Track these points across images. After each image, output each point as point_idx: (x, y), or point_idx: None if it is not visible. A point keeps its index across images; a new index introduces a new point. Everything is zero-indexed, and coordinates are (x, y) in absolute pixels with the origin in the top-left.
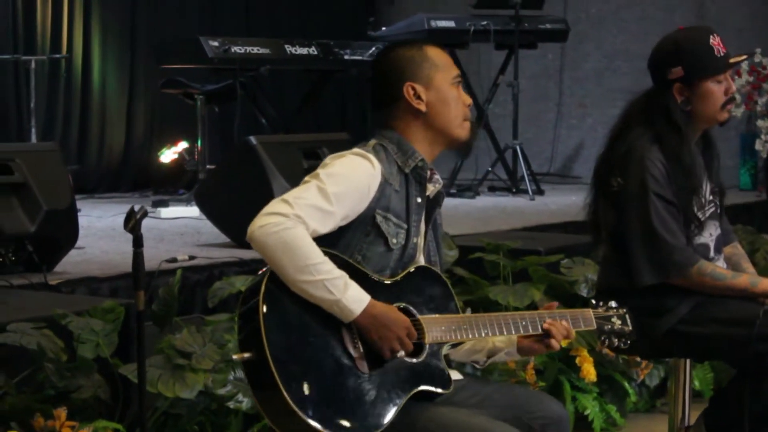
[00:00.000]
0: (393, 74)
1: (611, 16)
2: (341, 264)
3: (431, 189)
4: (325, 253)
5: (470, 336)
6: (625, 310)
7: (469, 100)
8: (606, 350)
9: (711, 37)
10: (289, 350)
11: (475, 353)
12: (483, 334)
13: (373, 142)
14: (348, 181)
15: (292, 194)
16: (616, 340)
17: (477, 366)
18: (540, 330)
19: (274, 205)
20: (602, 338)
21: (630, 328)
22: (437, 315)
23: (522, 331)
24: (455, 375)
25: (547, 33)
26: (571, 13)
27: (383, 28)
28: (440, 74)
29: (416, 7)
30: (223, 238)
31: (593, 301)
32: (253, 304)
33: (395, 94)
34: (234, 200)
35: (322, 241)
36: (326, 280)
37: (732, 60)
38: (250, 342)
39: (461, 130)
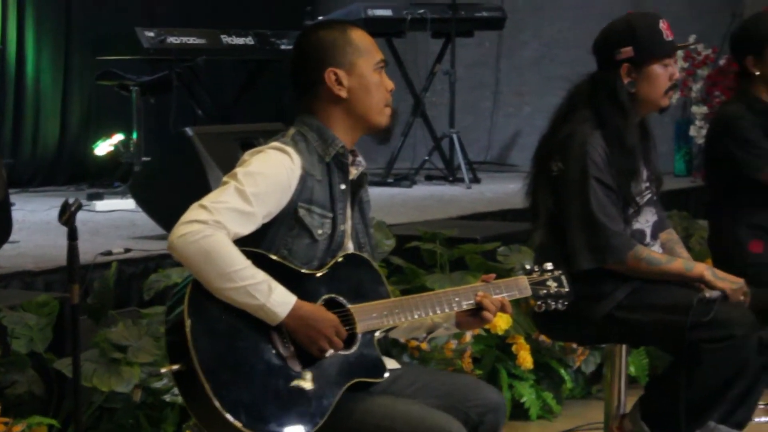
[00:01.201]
0: (314, 58)
1: (549, 4)
2: (266, 262)
3: (354, 172)
4: (249, 253)
5: (402, 319)
6: (561, 272)
7: (391, 86)
8: (542, 338)
9: (660, 21)
10: (218, 358)
11: (414, 330)
12: (416, 316)
13: (292, 131)
14: (267, 179)
15: (209, 198)
16: (553, 302)
17: (417, 341)
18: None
19: (193, 212)
20: (539, 303)
21: (567, 288)
22: (368, 302)
23: (456, 308)
24: (392, 364)
25: (484, 21)
26: (509, 0)
27: (320, 18)
28: (363, 59)
29: None
30: (159, 231)
31: (527, 267)
32: (178, 315)
33: (316, 79)
34: (170, 192)
35: (246, 239)
36: (249, 286)
37: (679, 45)
38: (178, 353)
39: (381, 116)
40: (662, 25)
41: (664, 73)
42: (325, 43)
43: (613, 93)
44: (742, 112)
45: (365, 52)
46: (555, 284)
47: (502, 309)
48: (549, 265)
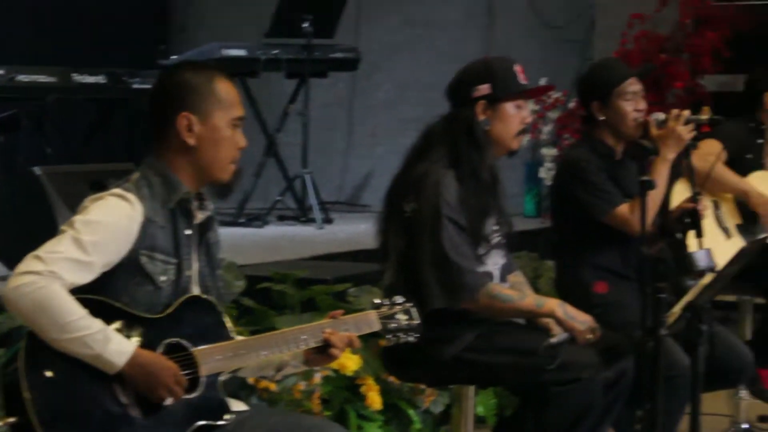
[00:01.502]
0: (172, 98)
1: (403, 46)
2: (106, 309)
3: (200, 217)
4: (89, 300)
5: (248, 360)
6: (410, 304)
7: (243, 144)
8: (391, 379)
9: (515, 65)
10: (56, 409)
11: (263, 368)
12: (262, 356)
13: (136, 175)
14: (106, 227)
15: (45, 248)
16: (404, 335)
17: (267, 380)
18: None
19: (27, 263)
20: (389, 337)
21: (417, 321)
22: (212, 345)
23: (303, 346)
24: (240, 406)
25: (338, 62)
26: (363, 42)
27: (174, 57)
28: (221, 112)
29: (208, 35)
30: (6, 272)
31: (376, 301)
32: (13, 369)
33: (169, 120)
34: (18, 232)
35: (89, 287)
36: (85, 336)
37: (532, 89)
38: (14, 406)
39: (224, 173)
40: (517, 68)
41: (517, 115)
42: (187, 85)
43: (470, 129)
44: (587, 156)
45: (225, 105)
46: (405, 317)
47: (350, 345)
48: (399, 298)
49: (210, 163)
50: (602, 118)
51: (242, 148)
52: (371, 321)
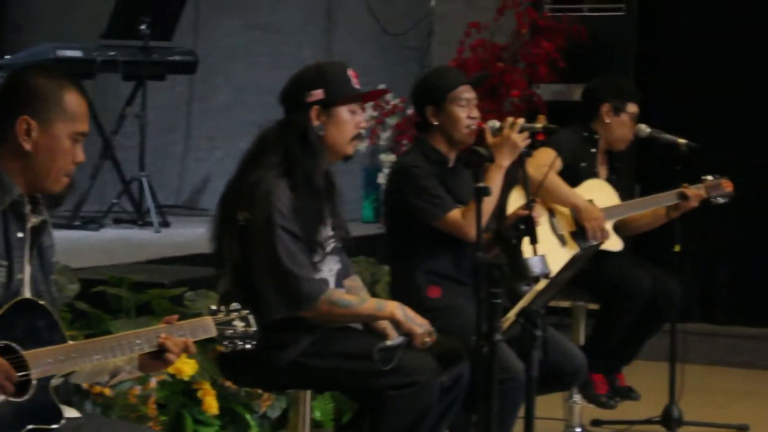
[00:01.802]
0: (16, 100)
1: (241, 49)
2: None
3: (34, 221)
4: None
5: (81, 364)
6: (247, 311)
7: (80, 159)
8: (227, 384)
9: (348, 70)
10: None
11: (97, 374)
12: (94, 360)
13: None
14: None
15: None
16: (240, 342)
17: (101, 386)
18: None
19: None
20: (225, 344)
21: (254, 328)
22: (43, 348)
23: (137, 350)
24: (71, 412)
25: (176, 65)
26: (202, 45)
27: (7, 57)
28: (63, 123)
29: (44, 35)
30: None
31: (212, 307)
32: None
33: (9, 121)
34: None
35: None
36: None
37: (366, 93)
38: None
39: (55, 184)
40: (351, 73)
41: (351, 120)
42: (35, 90)
43: (303, 135)
44: (418, 161)
45: (69, 118)
46: (242, 324)
47: (186, 350)
48: (235, 305)
49: (43, 171)
50: (436, 123)
51: (79, 163)
52: (207, 327)
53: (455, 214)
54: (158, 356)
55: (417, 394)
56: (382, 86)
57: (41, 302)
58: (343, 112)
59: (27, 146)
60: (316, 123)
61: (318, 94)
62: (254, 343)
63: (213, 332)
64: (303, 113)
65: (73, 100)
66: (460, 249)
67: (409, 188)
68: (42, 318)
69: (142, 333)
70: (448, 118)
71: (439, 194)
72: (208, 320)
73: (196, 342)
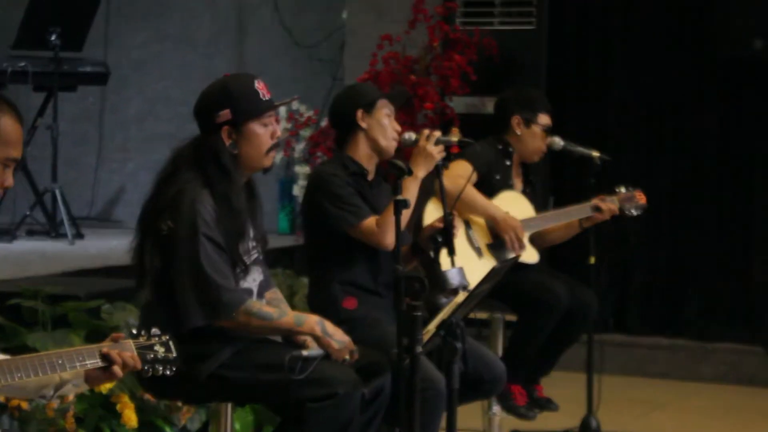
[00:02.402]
0: None
1: (153, 60)
2: None
3: None
4: None
5: (3, 382)
6: (167, 337)
7: (9, 184)
8: (147, 396)
9: (256, 81)
10: None
11: (42, 388)
12: (16, 378)
13: None
14: None
15: None
16: (161, 367)
17: (44, 400)
18: (91, 363)
19: None
20: (146, 368)
21: (174, 354)
22: None
23: (67, 368)
24: None
25: (87, 76)
26: (113, 56)
27: None
28: None
29: None
30: None
31: (134, 331)
32: None
33: None
34: None
35: None
36: None
37: (277, 103)
38: None
39: None
40: (258, 84)
41: (264, 133)
42: None
43: (216, 156)
44: (335, 171)
45: (3, 142)
46: (162, 349)
47: (134, 367)
48: (156, 330)
49: None
50: (364, 126)
51: (7, 188)
52: (128, 349)
53: (370, 222)
54: (105, 369)
55: (337, 406)
56: (296, 97)
57: None
58: (255, 126)
59: None
60: (228, 142)
61: (225, 114)
62: (174, 368)
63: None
64: (214, 134)
65: (7, 126)
66: (376, 260)
67: (324, 196)
68: None
69: (84, 349)
70: (378, 124)
71: (354, 202)
72: (129, 344)
73: None
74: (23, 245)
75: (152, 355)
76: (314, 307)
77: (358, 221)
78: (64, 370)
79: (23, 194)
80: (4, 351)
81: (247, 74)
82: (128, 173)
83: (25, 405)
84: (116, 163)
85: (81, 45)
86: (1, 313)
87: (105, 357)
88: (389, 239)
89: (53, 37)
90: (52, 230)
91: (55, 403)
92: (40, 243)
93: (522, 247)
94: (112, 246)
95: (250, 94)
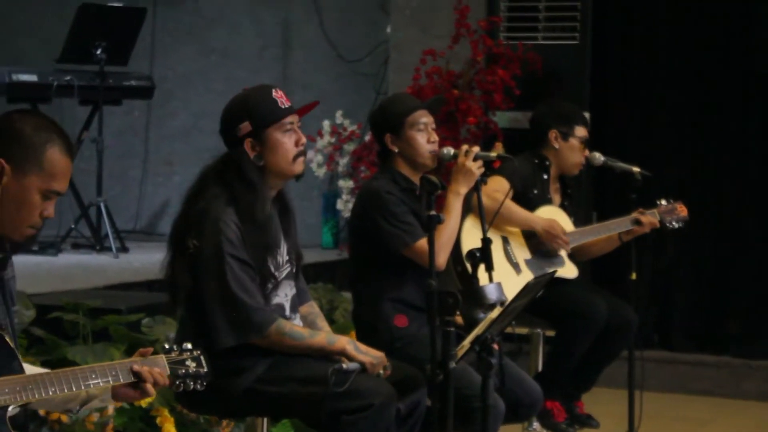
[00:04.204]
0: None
1: (198, 75)
2: None
3: None
4: None
5: (36, 396)
6: (199, 352)
7: (49, 214)
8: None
9: (273, 91)
10: None
11: (69, 402)
12: (51, 393)
13: None
14: None
15: None
16: (192, 382)
17: (71, 414)
18: (123, 378)
19: None
20: (177, 383)
21: (205, 369)
22: (0, 378)
23: (101, 383)
24: None
25: (132, 90)
26: (158, 70)
27: None
28: (38, 178)
29: None
30: None
31: (165, 346)
32: None
33: None
34: None
35: None
36: None
37: (297, 109)
38: None
39: (17, 234)
40: (276, 93)
41: (288, 140)
42: (20, 136)
43: (241, 170)
44: (389, 187)
45: (45, 175)
46: (194, 364)
47: (163, 383)
48: (188, 345)
49: (7, 219)
50: (396, 150)
51: (47, 217)
52: (160, 365)
53: (424, 242)
54: (133, 386)
55: (373, 418)
56: (339, 113)
57: (1, 332)
58: (276, 134)
59: None
60: (252, 155)
61: (245, 127)
62: (205, 384)
63: (165, 371)
64: (238, 148)
65: (55, 157)
66: (426, 278)
67: (378, 214)
68: (1, 348)
69: (117, 365)
70: (408, 145)
71: (408, 221)
72: (162, 359)
73: None
74: (68, 258)
75: (183, 370)
76: (360, 324)
77: (413, 241)
78: (97, 385)
79: (69, 208)
80: (45, 364)
81: (265, 85)
82: (173, 187)
83: (65, 418)
84: (161, 177)
85: (126, 59)
86: (42, 326)
87: (136, 374)
88: (442, 260)
89: (99, 51)
90: (97, 244)
91: (95, 417)
92: (84, 256)
93: (568, 247)
94: (156, 259)
95: (268, 103)
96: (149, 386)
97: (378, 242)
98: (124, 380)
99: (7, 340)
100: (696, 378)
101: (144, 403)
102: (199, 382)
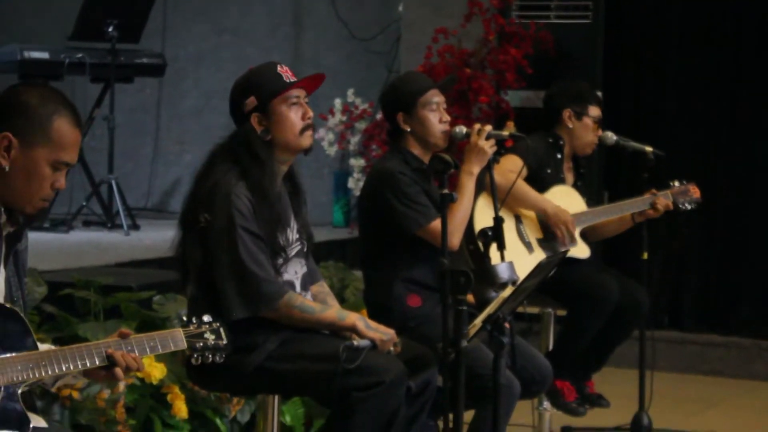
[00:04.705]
0: (4, 114)
1: (209, 54)
2: None
3: (9, 229)
4: None
5: (50, 372)
6: (218, 324)
7: (61, 186)
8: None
9: (278, 66)
10: None
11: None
12: (64, 369)
13: None
14: None
15: None
16: (211, 355)
17: (46, 388)
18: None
19: None
20: (195, 356)
21: (225, 341)
22: (13, 354)
23: (71, 368)
24: (39, 422)
25: (144, 67)
26: (170, 49)
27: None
28: (45, 149)
29: (10, 37)
30: None
31: (184, 318)
32: None
33: None
34: None
35: None
36: None
37: (303, 80)
38: None
39: (29, 206)
40: (281, 69)
41: (294, 114)
42: (25, 109)
43: (248, 144)
44: (401, 167)
45: (53, 145)
46: (213, 336)
47: (137, 369)
48: (207, 317)
49: (17, 191)
50: (408, 129)
51: (59, 189)
52: (178, 339)
53: (438, 223)
54: (107, 368)
55: (384, 395)
56: (350, 91)
57: (13, 308)
58: (281, 108)
59: (3, 162)
60: (259, 129)
61: (251, 101)
62: (224, 355)
63: (183, 345)
64: (246, 124)
65: (62, 128)
66: (439, 258)
67: (391, 194)
68: (14, 323)
69: (112, 342)
70: (421, 124)
71: (423, 202)
72: (179, 332)
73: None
74: (79, 236)
75: (201, 343)
76: (372, 304)
77: (427, 222)
78: (68, 370)
79: (80, 185)
80: (56, 341)
81: (270, 62)
82: (185, 165)
83: (76, 394)
84: (173, 155)
85: (138, 37)
86: (53, 303)
87: (109, 357)
88: (456, 240)
89: (110, 29)
90: (108, 221)
91: (106, 394)
92: (96, 234)
93: (573, 241)
94: (167, 237)
95: (272, 77)
96: (119, 371)
97: (390, 223)
98: (92, 365)
99: (21, 316)
100: (706, 359)
101: (155, 380)
102: (219, 354)
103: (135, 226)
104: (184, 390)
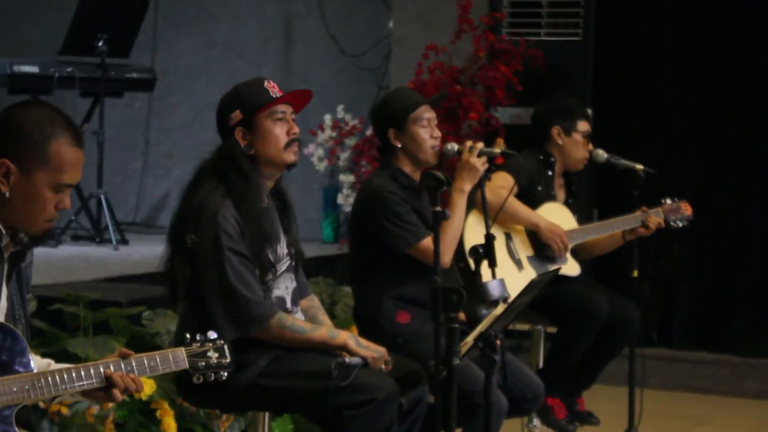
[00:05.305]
0: (1, 139)
1: (200, 68)
2: None
3: (12, 249)
4: None
5: (47, 394)
6: (222, 342)
7: (66, 205)
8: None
9: (266, 81)
10: None
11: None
12: (62, 390)
13: None
14: None
15: None
16: (213, 374)
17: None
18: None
19: None
20: (197, 376)
21: (228, 359)
22: (10, 376)
23: (68, 390)
24: None
25: (133, 82)
26: (160, 62)
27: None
28: (45, 174)
29: (0, 51)
30: None
31: (187, 336)
32: None
33: None
34: None
35: None
36: None
37: (289, 94)
38: None
39: (34, 228)
40: (268, 84)
41: (279, 129)
42: (21, 133)
43: (232, 159)
44: (390, 186)
45: (53, 169)
46: (216, 354)
47: (137, 390)
48: (212, 334)
49: (20, 215)
50: (399, 145)
51: (62, 209)
52: (180, 359)
53: (428, 242)
54: (104, 389)
55: (375, 412)
56: (340, 107)
57: (12, 328)
58: (266, 122)
59: (3, 189)
60: (243, 144)
61: (236, 115)
62: (226, 374)
63: (185, 365)
64: (231, 138)
65: (60, 150)
66: (428, 275)
67: (380, 213)
68: (11, 344)
69: (111, 361)
70: (412, 140)
71: (412, 220)
72: (181, 351)
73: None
74: (68, 250)
75: (204, 363)
76: (361, 321)
77: (417, 241)
78: (65, 391)
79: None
80: (45, 356)
81: (258, 77)
82: (174, 179)
83: (65, 410)
84: (162, 170)
85: (128, 51)
86: (43, 318)
87: (107, 378)
88: (447, 258)
89: (100, 43)
90: (97, 236)
91: (95, 409)
92: (84, 248)
93: (567, 251)
94: (156, 252)
95: (258, 92)
96: (117, 392)
97: (380, 242)
98: (90, 385)
99: (20, 336)
100: (696, 376)
101: (144, 395)
102: (222, 372)
103: (124, 241)
104: (173, 406)
